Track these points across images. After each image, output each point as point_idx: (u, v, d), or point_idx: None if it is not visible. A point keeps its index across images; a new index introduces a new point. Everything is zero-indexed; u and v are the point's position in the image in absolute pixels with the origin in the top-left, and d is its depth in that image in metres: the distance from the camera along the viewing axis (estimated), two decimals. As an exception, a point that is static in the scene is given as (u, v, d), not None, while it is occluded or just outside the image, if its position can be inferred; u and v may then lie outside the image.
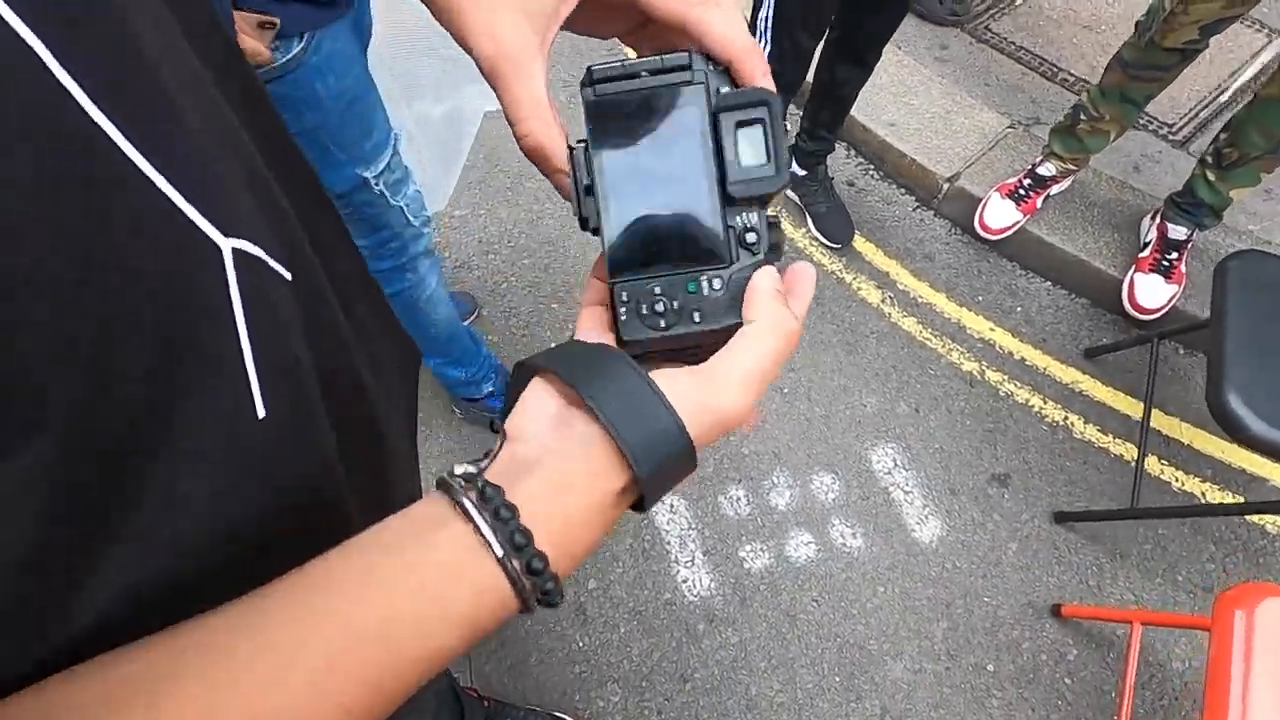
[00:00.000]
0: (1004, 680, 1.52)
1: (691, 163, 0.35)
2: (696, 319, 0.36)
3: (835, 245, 2.10)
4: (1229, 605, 1.09)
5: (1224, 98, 2.34)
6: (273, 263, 0.30)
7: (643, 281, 0.36)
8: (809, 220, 2.13)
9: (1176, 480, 1.77)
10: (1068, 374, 1.92)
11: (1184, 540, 1.68)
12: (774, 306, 0.34)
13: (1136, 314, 1.89)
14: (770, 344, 0.33)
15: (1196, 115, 2.32)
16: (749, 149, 0.35)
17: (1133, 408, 1.86)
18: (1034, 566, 1.64)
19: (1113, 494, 1.74)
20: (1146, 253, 1.91)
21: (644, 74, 0.35)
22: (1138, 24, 1.70)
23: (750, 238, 0.36)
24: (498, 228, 2.10)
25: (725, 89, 0.35)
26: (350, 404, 0.41)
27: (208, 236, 0.25)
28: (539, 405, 0.34)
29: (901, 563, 1.65)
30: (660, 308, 0.36)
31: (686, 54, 0.35)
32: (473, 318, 1.92)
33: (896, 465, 1.77)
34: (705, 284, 0.36)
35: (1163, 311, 1.88)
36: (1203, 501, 1.73)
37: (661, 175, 0.35)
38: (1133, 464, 1.77)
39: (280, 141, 0.40)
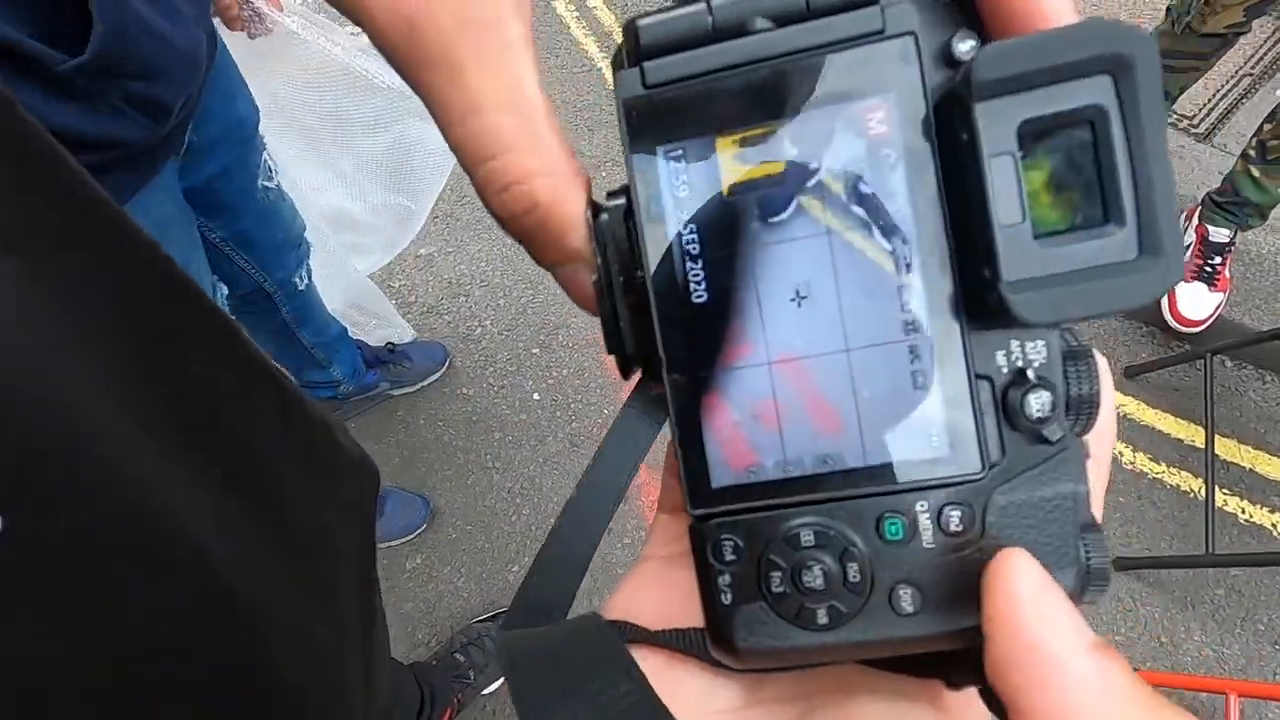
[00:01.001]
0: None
1: (891, 232, 0.17)
2: (906, 607, 0.17)
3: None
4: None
5: (1243, 85, 2.19)
6: None
7: (774, 516, 0.17)
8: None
9: (1243, 512, 1.59)
10: (1109, 397, 1.74)
11: (1259, 581, 1.49)
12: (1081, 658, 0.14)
13: (1180, 327, 1.72)
14: None
15: (1215, 106, 2.17)
16: (1053, 188, 0.16)
17: (1185, 430, 1.68)
18: (1098, 623, 1.45)
19: (1175, 532, 1.55)
20: (1185, 258, 1.74)
21: (761, 27, 0.17)
22: (1169, 9, 1.53)
23: (1035, 404, 0.16)
24: (468, 266, 1.89)
25: (967, 45, 0.16)
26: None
27: None
28: None
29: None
30: (816, 580, 0.17)
31: None
32: (443, 369, 1.70)
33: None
34: (924, 520, 0.17)
35: (1209, 323, 1.71)
36: (1276, 535, 1.55)
37: (814, 265, 0.17)
38: (1193, 495, 1.59)
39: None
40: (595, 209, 0.18)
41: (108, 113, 0.57)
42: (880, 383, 0.17)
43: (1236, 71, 2.22)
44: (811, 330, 0.17)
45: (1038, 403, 0.16)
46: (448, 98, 0.18)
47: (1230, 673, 1.38)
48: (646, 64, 0.17)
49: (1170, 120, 2.15)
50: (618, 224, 0.18)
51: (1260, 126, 1.58)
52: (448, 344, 1.74)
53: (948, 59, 0.16)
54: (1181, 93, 1.64)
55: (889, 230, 0.16)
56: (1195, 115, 2.16)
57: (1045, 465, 0.16)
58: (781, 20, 0.16)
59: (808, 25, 0.16)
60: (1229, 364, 1.78)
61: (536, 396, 1.69)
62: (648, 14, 0.17)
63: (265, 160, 0.98)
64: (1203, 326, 1.71)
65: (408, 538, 1.50)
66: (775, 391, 0.17)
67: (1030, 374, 0.16)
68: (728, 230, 0.17)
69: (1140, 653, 1.42)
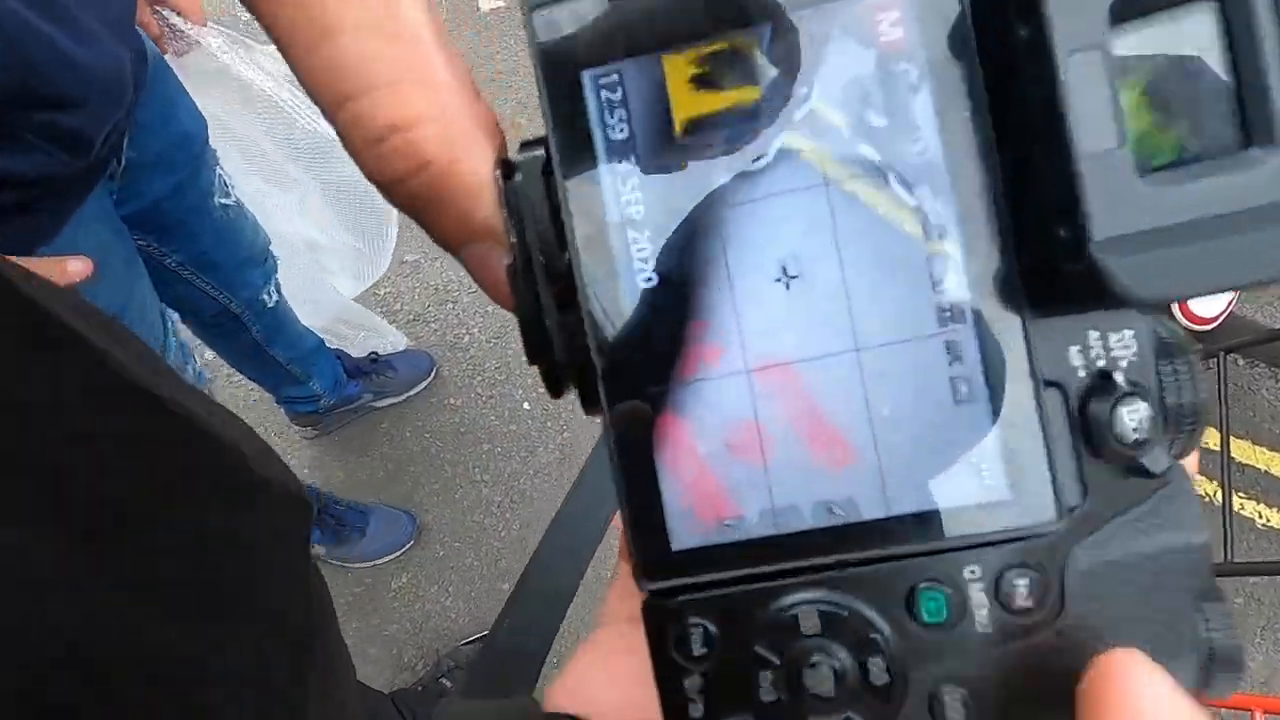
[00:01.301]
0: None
1: (915, 181, 0.11)
2: (955, 718, 0.11)
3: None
4: None
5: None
6: None
7: (761, 591, 0.12)
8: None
9: (1260, 516, 1.54)
10: (1118, 398, 1.69)
11: (1279, 590, 1.44)
12: None
13: (1191, 325, 1.67)
14: None
15: (1219, 98, 2.14)
16: (1162, 100, 0.10)
17: (1197, 433, 1.63)
18: (1112, 635, 1.40)
19: (1190, 538, 1.50)
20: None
21: None
22: None
23: (1130, 419, 0.11)
24: (455, 271, 1.84)
25: None
26: None
27: None
28: None
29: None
30: (824, 683, 0.11)
31: None
32: (430, 379, 1.65)
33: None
34: (977, 592, 0.12)
35: (1220, 320, 1.66)
36: (1295, 540, 1.50)
37: (807, 230, 0.12)
38: (1208, 499, 1.54)
39: None
40: (506, 168, 0.14)
41: (15, 147, 0.51)
42: (907, 396, 0.12)
43: (1240, 63, 2.19)
44: (806, 322, 0.12)
45: (1133, 418, 0.11)
46: (293, 20, 0.13)
47: (1251, 685, 1.33)
48: None
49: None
50: (535, 184, 0.13)
51: (1269, 117, 1.55)
52: (434, 353, 1.69)
53: None
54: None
55: (912, 178, 0.11)
56: (1199, 108, 2.13)
57: (1145, 508, 0.12)
58: None
59: None
60: (1241, 362, 1.74)
61: (526, 406, 1.64)
62: None
63: (220, 176, 0.91)
64: (1214, 324, 1.66)
65: (393, 555, 1.45)
66: (757, 411, 0.12)
67: (1119, 377, 0.12)
68: (683, 185, 0.12)
69: (1157, 665, 1.37)
